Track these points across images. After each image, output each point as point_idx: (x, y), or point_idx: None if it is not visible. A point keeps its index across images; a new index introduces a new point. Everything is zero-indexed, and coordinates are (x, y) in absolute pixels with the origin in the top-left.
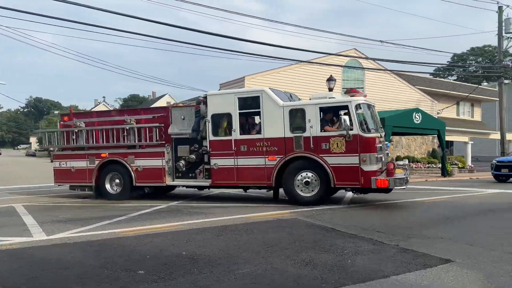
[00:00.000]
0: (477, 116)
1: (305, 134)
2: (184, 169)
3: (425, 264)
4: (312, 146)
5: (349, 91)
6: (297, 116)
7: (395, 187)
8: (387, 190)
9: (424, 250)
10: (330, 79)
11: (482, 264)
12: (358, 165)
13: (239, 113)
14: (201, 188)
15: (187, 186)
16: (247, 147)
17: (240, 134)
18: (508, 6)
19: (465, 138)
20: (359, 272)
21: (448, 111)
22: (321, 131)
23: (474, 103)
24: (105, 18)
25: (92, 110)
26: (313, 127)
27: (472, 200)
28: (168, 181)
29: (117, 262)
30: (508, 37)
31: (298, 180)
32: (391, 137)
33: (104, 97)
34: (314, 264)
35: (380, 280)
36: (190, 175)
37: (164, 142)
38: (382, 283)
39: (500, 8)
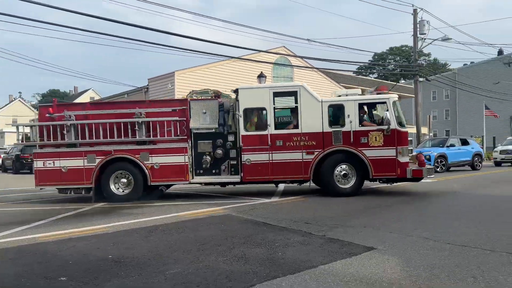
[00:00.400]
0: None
1: (344, 129)
2: (208, 165)
3: (351, 253)
4: (352, 140)
5: (377, 89)
6: (336, 112)
7: (427, 176)
8: (419, 180)
9: (350, 239)
10: (261, 76)
11: (401, 249)
12: (395, 157)
13: (274, 107)
14: (224, 185)
15: (213, 184)
16: (283, 142)
17: (275, 129)
18: (422, 9)
19: None
20: (289, 264)
21: None
22: (359, 125)
23: None
24: (23, 8)
25: (85, 102)
26: (352, 122)
27: (391, 189)
28: (190, 178)
29: (36, 270)
30: (422, 38)
31: (336, 172)
32: None
33: (20, 92)
34: (246, 259)
35: (308, 270)
36: (214, 171)
37: (186, 137)
38: (311, 273)
39: (415, 11)
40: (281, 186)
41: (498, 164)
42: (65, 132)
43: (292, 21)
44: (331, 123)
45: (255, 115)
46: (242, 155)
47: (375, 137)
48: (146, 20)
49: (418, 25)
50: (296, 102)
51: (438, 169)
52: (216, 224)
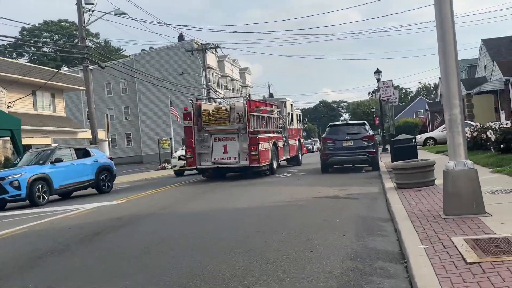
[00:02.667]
0: (61, 110)
1: (299, 127)
2: None
3: None
4: (299, 133)
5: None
6: (298, 117)
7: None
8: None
9: None
10: None
11: None
12: (302, 143)
13: (290, 113)
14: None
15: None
16: (294, 133)
17: (290, 126)
18: None
19: (47, 140)
20: None
21: (22, 104)
22: (298, 125)
23: (55, 93)
24: None
25: (260, 99)
26: (300, 123)
27: (71, 222)
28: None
29: None
30: (90, 10)
31: (299, 152)
32: None
33: None
34: None
35: None
36: None
37: (283, 129)
38: None
39: None
40: None
41: (179, 173)
42: (261, 121)
43: None
44: (297, 123)
45: (290, 117)
46: (289, 140)
47: (299, 131)
48: None
49: None
50: (291, 110)
51: (40, 201)
52: None
